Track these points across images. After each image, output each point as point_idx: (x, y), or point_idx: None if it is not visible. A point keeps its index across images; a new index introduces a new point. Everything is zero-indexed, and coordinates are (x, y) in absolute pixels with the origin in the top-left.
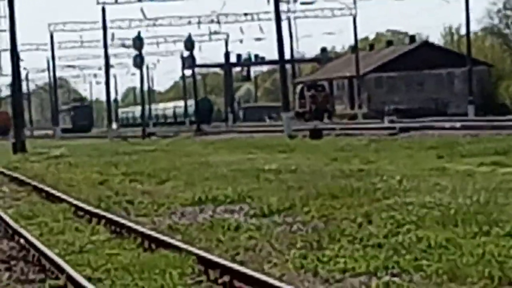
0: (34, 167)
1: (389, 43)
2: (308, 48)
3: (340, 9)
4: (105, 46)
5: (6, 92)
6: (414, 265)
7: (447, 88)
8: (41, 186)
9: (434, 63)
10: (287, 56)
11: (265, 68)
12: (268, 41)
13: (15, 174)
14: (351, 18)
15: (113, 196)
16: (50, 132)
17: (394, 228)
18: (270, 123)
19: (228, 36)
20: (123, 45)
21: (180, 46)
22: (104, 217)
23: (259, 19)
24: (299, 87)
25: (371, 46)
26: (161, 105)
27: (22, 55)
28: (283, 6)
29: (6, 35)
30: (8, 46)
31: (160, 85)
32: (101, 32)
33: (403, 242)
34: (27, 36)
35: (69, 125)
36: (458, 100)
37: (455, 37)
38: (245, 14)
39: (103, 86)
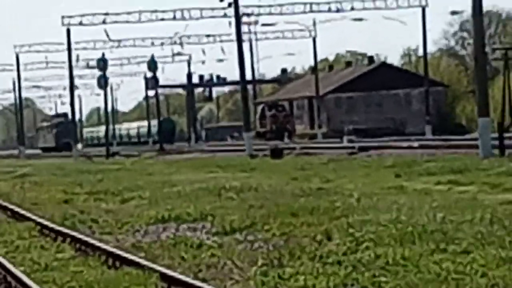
0: None
1: (348, 64)
2: (269, 69)
3: (300, 30)
4: (70, 67)
5: None
6: (372, 281)
7: (405, 108)
8: (6, 204)
9: (392, 84)
10: (248, 77)
11: (226, 88)
12: (229, 62)
13: None
14: (311, 40)
15: (77, 215)
16: (15, 151)
17: (353, 246)
18: (232, 142)
19: (190, 57)
20: (88, 66)
21: (144, 67)
22: (69, 235)
23: (221, 41)
24: (260, 107)
25: (331, 67)
26: (125, 125)
27: None
28: (244, 28)
29: None
30: None
31: (124, 105)
32: (66, 53)
33: (362, 259)
34: None
35: (51, 143)
36: (415, 120)
37: (413, 58)
38: (207, 36)
39: (68, 106)
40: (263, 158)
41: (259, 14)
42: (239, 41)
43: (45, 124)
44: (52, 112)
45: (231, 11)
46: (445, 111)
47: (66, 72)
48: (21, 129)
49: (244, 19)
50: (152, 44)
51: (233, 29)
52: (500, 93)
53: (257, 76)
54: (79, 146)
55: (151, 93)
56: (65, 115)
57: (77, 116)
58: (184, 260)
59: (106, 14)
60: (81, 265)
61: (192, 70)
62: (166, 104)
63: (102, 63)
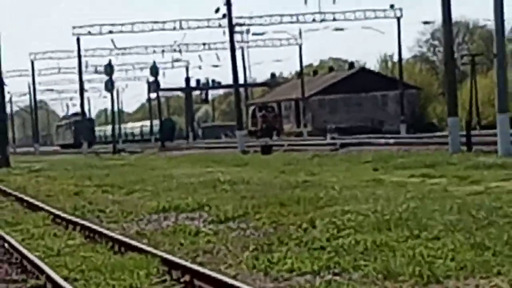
0: (17, 180)
1: (331, 69)
2: (259, 73)
3: (287, 39)
4: (80, 72)
5: None
6: (353, 265)
7: (381, 109)
8: (23, 196)
9: (370, 87)
10: (241, 81)
11: (221, 91)
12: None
13: (0, 186)
14: (297, 47)
15: (87, 205)
16: (31, 149)
17: (335, 233)
18: (226, 140)
19: (188, 63)
20: (96, 72)
21: (146, 72)
22: (79, 224)
23: (216, 48)
24: (251, 108)
25: (315, 72)
26: (130, 125)
27: (6, 81)
28: (237, 37)
29: None
30: None
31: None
32: (76, 60)
33: (343, 245)
34: (11, 63)
35: (69, 140)
36: (391, 119)
37: (389, 63)
38: (204, 44)
39: (78, 108)
40: (254, 154)
41: (250, 24)
42: (232, 48)
43: (64, 122)
44: (64, 113)
45: (225, 21)
46: (418, 111)
47: (76, 77)
48: (36, 129)
49: (237, 28)
50: (154, 51)
51: (227, 38)
52: (468, 95)
53: (248, 80)
54: (85, 145)
55: (153, 95)
56: (83, 113)
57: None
58: (183, 246)
59: (113, 24)
60: (90, 251)
61: (190, 75)
62: (166, 106)
63: (109, 69)
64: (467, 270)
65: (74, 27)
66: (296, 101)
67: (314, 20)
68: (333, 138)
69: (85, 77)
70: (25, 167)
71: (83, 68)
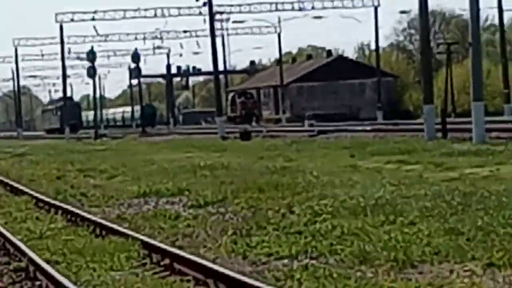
0: (0, 164)
1: (309, 57)
2: (239, 61)
3: (267, 27)
4: (63, 58)
5: None
6: (329, 249)
7: (359, 96)
8: (6, 180)
9: (347, 75)
10: (221, 67)
11: (201, 78)
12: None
13: None
14: (276, 35)
15: (69, 189)
16: (14, 133)
17: (312, 218)
18: (206, 126)
19: (169, 50)
20: (78, 58)
21: (128, 59)
22: (61, 207)
23: (196, 36)
24: (231, 95)
25: (294, 59)
26: (111, 110)
27: None
28: (217, 24)
29: None
30: None
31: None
32: (59, 46)
33: (320, 230)
34: None
35: (55, 125)
36: (368, 106)
37: (367, 52)
38: (185, 31)
39: (61, 94)
40: (234, 140)
41: (230, 12)
42: (213, 36)
43: (50, 106)
44: (47, 98)
45: (205, 9)
46: (394, 99)
47: (59, 63)
48: (19, 114)
49: (217, 16)
50: (136, 38)
51: (207, 26)
52: (443, 83)
53: (228, 67)
54: (67, 130)
55: (134, 82)
56: (70, 98)
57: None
58: (163, 230)
59: (95, 12)
60: (72, 234)
61: (171, 61)
62: (148, 92)
63: (91, 55)
64: (442, 255)
65: (57, 14)
66: (275, 88)
67: (293, 8)
68: (311, 125)
69: (67, 63)
70: (8, 152)
71: (66, 55)
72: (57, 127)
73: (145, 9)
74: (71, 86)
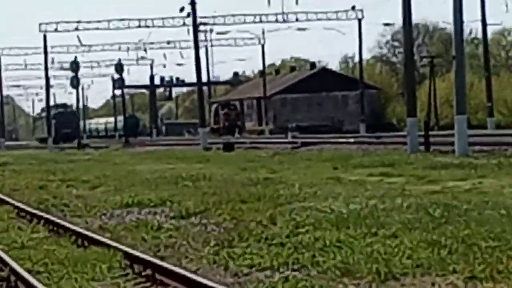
0: None
1: (293, 68)
2: (222, 72)
3: (251, 38)
4: (46, 68)
5: None
6: (312, 261)
7: (342, 109)
8: None
9: (331, 87)
10: (204, 79)
11: (185, 89)
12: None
13: None
14: (260, 47)
15: (51, 199)
16: None
17: (295, 229)
18: (189, 137)
19: (153, 61)
20: (62, 68)
21: (111, 69)
22: (43, 217)
23: (180, 47)
24: (214, 106)
25: (277, 71)
26: (94, 121)
27: None
28: (201, 36)
29: None
30: None
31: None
32: (42, 56)
33: (303, 242)
34: None
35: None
36: (351, 119)
37: (350, 64)
38: (168, 42)
39: (44, 103)
40: (216, 151)
41: (214, 24)
42: (196, 47)
43: (43, 114)
44: (30, 109)
45: (189, 20)
46: (377, 111)
47: (42, 73)
48: (1, 124)
49: (201, 27)
50: (119, 49)
51: (191, 37)
52: (427, 96)
53: (212, 79)
54: (50, 140)
55: (117, 92)
56: (65, 105)
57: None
58: (145, 240)
59: (79, 22)
60: (54, 244)
61: (154, 72)
62: (131, 102)
63: (75, 65)
64: (424, 267)
65: (40, 24)
66: (258, 99)
67: (277, 20)
68: (294, 137)
69: (51, 73)
70: None
71: (49, 64)
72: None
73: (129, 20)
74: (54, 96)
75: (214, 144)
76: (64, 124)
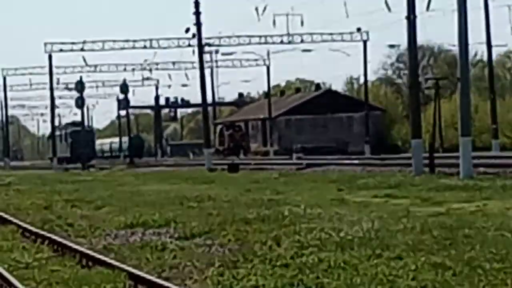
0: None
1: (298, 90)
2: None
3: (255, 59)
4: (51, 88)
5: None
6: (316, 282)
7: (347, 130)
8: None
9: (336, 108)
10: (209, 100)
11: (189, 110)
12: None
13: None
14: (264, 68)
15: (55, 220)
16: (1, 163)
17: (299, 250)
18: (194, 158)
19: (158, 82)
20: (67, 88)
21: (116, 90)
22: (47, 237)
23: (185, 68)
24: (219, 127)
25: (282, 92)
26: (99, 141)
27: None
28: (206, 57)
29: None
30: None
31: (99, 123)
32: (47, 76)
33: (307, 263)
34: None
35: (64, 153)
36: (356, 140)
37: (355, 85)
38: (173, 63)
39: (49, 124)
40: (221, 172)
41: (219, 45)
42: (201, 68)
43: (58, 132)
44: (35, 129)
45: (194, 41)
46: (382, 133)
47: (47, 93)
48: (6, 143)
49: (206, 48)
50: (125, 69)
51: (196, 57)
52: (432, 117)
53: (217, 99)
54: (55, 160)
55: (122, 113)
56: (81, 123)
57: (57, 133)
58: (149, 261)
59: (84, 42)
60: (58, 264)
61: (159, 93)
62: (136, 123)
63: (80, 86)
64: None
65: (46, 44)
66: (263, 120)
67: (282, 42)
68: (299, 158)
69: (56, 93)
70: None
71: (55, 85)
72: (65, 155)
73: (134, 40)
74: (59, 116)
75: (219, 165)
76: (81, 143)
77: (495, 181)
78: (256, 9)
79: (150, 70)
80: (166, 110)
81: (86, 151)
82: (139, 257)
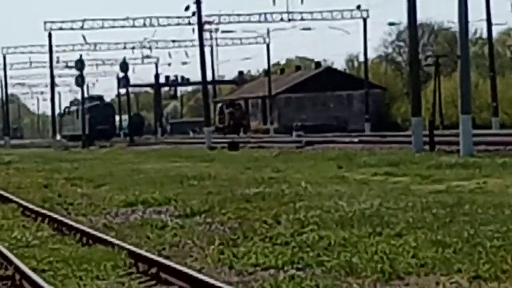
0: None
1: (298, 68)
2: (227, 71)
3: (256, 37)
4: (51, 67)
5: None
6: (316, 260)
7: (347, 108)
8: None
9: (336, 86)
10: (209, 78)
11: (189, 88)
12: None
13: None
14: (265, 46)
15: (56, 198)
16: (1, 142)
17: (299, 228)
18: (194, 136)
19: (158, 60)
20: (67, 66)
21: (116, 68)
22: (48, 216)
23: (185, 46)
24: (219, 105)
25: (282, 70)
26: None
27: None
28: (206, 35)
29: None
30: None
31: None
32: (47, 55)
33: (307, 241)
34: None
35: (79, 131)
36: (356, 118)
37: (355, 63)
38: (173, 41)
39: (49, 102)
40: (221, 150)
41: (219, 22)
42: (201, 46)
43: (73, 108)
44: (35, 107)
45: (194, 19)
46: (382, 111)
47: (47, 72)
48: (6, 122)
49: (206, 26)
50: (124, 47)
51: (196, 35)
52: (432, 95)
53: (216, 78)
54: (58, 137)
55: (122, 91)
56: (100, 98)
57: (57, 111)
58: (149, 239)
59: (84, 20)
60: (58, 242)
61: (159, 71)
62: (136, 101)
63: (80, 64)
64: (428, 267)
65: (45, 22)
66: (263, 98)
67: (282, 19)
68: (298, 136)
69: (56, 71)
70: None
71: (54, 63)
72: (80, 133)
73: (134, 19)
74: (59, 94)
75: (219, 143)
76: (99, 119)
77: (495, 158)
78: None
79: (150, 48)
80: (166, 88)
81: (106, 128)
82: (140, 235)
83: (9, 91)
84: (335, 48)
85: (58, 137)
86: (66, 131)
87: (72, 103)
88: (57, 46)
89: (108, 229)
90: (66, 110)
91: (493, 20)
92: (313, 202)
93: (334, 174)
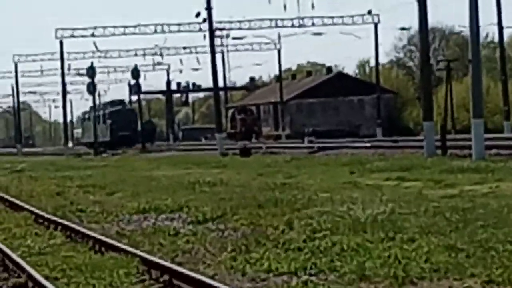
0: None
1: (309, 73)
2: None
3: (267, 43)
4: (62, 74)
5: None
6: (329, 266)
7: (358, 113)
8: (5, 196)
9: (347, 91)
10: (221, 84)
11: (201, 94)
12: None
13: None
14: (276, 52)
15: (68, 205)
16: (14, 150)
17: (312, 234)
18: (205, 142)
19: (169, 66)
20: (78, 74)
21: (128, 75)
22: (60, 223)
23: (196, 52)
24: (230, 111)
25: (293, 76)
26: None
27: None
28: (217, 41)
29: None
30: None
31: None
32: (59, 62)
33: (320, 246)
34: None
35: (103, 137)
36: (368, 123)
37: (367, 68)
38: (184, 48)
39: (60, 110)
40: (233, 156)
41: (230, 29)
42: (213, 52)
43: (94, 113)
44: (47, 115)
45: (205, 25)
46: (394, 115)
47: (59, 79)
48: (18, 130)
49: (217, 32)
50: (136, 54)
51: (207, 42)
52: (443, 100)
53: (228, 84)
54: (70, 144)
55: (134, 98)
56: (122, 102)
57: (69, 118)
58: (162, 246)
59: (95, 27)
60: (71, 250)
61: (170, 78)
62: (147, 108)
63: (91, 71)
64: (441, 271)
65: (57, 30)
66: (274, 104)
67: (293, 25)
68: (310, 141)
69: (67, 79)
70: (7, 168)
71: (66, 71)
72: (104, 140)
73: (145, 25)
74: (70, 102)
75: (231, 149)
76: (122, 125)
77: (508, 162)
78: None
79: (161, 55)
80: (177, 95)
81: (128, 134)
82: (152, 242)
83: (21, 99)
84: (346, 53)
85: (70, 144)
86: (86, 137)
87: (91, 108)
88: (69, 53)
89: (120, 236)
90: (87, 115)
91: (504, 24)
92: (325, 208)
93: (346, 180)
